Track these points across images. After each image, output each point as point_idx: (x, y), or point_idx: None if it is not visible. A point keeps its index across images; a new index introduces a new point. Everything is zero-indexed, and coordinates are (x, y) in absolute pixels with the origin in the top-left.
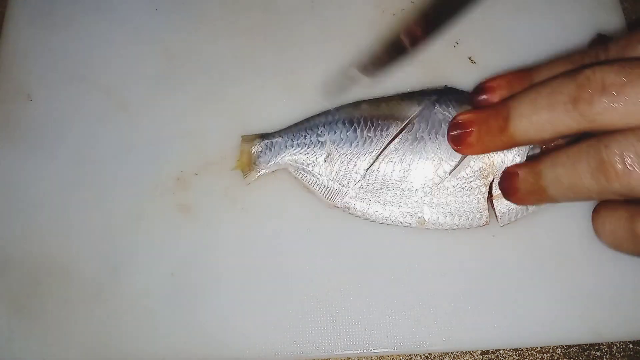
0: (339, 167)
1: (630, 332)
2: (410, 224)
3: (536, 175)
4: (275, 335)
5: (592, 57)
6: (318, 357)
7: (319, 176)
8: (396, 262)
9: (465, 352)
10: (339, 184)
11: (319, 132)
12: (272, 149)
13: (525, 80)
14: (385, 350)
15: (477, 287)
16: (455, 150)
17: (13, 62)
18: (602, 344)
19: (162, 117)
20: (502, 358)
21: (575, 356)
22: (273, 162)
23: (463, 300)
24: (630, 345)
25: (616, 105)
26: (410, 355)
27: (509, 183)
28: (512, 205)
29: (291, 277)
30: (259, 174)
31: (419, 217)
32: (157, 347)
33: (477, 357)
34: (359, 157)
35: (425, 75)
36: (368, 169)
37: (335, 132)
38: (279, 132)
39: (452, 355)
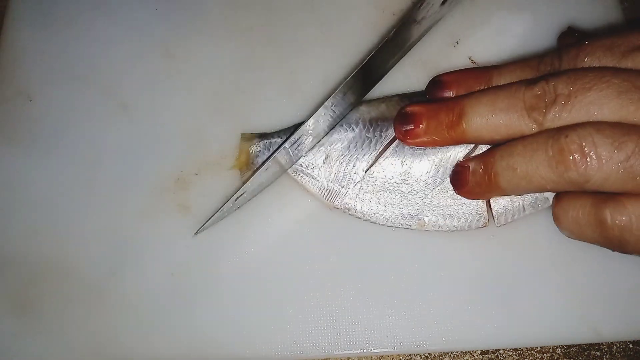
0: (337, 168)
1: (630, 332)
2: (410, 225)
3: (487, 165)
4: (275, 335)
5: (548, 64)
6: (318, 357)
7: (317, 178)
8: (396, 262)
9: (465, 352)
10: (339, 185)
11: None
12: (271, 149)
13: (482, 80)
14: (385, 350)
15: (477, 287)
16: (401, 140)
17: (13, 62)
18: (602, 344)
19: (162, 117)
20: (502, 358)
21: (575, 356)
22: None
23: (463, 300)
24: (630, 345)
25: (564, 113)
26: (410, 355)
27: (458, 175)
28: (509, 206)
29: (291, 277)
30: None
31: (419, 219)
32: (157, 347)
33: (477, 357)
34: (357, 159)
35: (425, 75)
36: (367, 170)
37: (333, 133)
38: (278, 133)
39: (452, 355)
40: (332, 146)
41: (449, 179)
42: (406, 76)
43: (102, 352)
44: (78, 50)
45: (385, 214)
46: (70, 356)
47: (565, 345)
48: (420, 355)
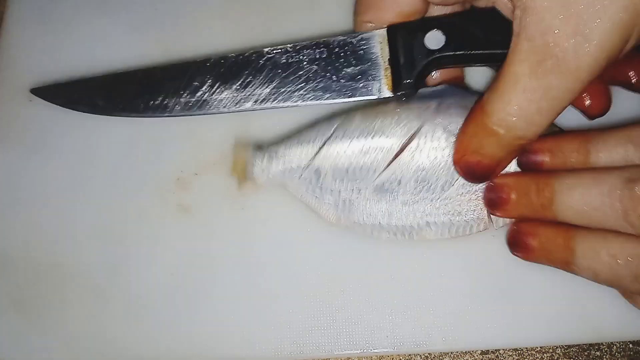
0: (337, 184)
1: (630, 332)
2: (413, 236)
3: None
4: (275, 335)
5: None
6: (318, 357)
7: (316, 195)
8: (396, 261)
9: (465, 352)
10: (339, 201)
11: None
12: (268, 159)
13: (580, 152)
14: (385, 350)
15: (477, 287)
16: (491, 213)
17: (13, 62)
18: (602, 344)
19: (162, 117)
20: (502, 358)
21: (575, 356)
22: (267, 175)
23: (463, 300)
24: (630, 345)
25: None
26: (410, 355)
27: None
28: None
29: (291, 277)
30: (256, 186)
31: (422, 230)
32: (157, 347)
33: (477, 357)
34: (355, 175)
35: None
36: (366, 187)
37: (330, 147)
38: (277, 142)
39: (452, 355)
40: (327, 161)
41: (452, 188)
42: None
43: (102, 352)
44: (78, 50)
45: (389, 227)
46: (70, 356)
47: (565, 345)
48: (420, 355)
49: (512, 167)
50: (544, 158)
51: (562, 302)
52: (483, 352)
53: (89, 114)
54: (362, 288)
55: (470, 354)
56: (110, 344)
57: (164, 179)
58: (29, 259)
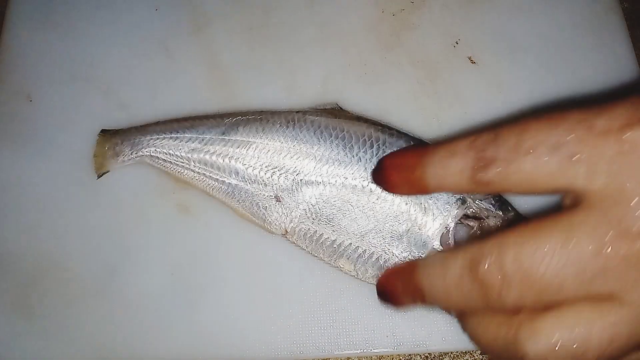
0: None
1: None
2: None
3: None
4: (275, 335)
5: None
6: (318, 357)
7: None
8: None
9: (465, 352)
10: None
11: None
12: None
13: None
14: (385, 350)
15: None
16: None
17: (13, 62)
18: None
19: (162, 117)
20: None
21: None
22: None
23: None
24: None
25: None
26: (410, 355)
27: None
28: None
29: (291, 277)
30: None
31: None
32: (157, 347)
33: (477, 357)
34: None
35: (425, 75)
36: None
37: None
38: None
39: (452, 355)
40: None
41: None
42: (406, 76)
43: (102, 351)
44: (78, 50)
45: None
46: (70, 356)
47: None
48: (420, 355)
49: None
50: None
51: None
52: (483, 352)
53: (89, 114)
54: (362, 288)
55: (470, 353)
56: (110, 344)
57: (164, 179)
58: (29, 259)
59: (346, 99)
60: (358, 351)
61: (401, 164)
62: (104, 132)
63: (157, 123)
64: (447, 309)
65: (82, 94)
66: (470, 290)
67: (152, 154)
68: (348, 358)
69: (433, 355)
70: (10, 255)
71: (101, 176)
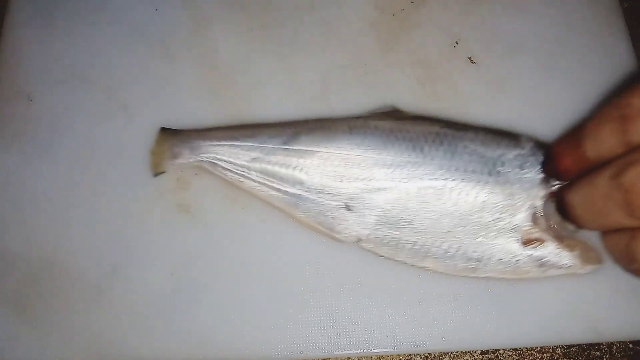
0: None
1: (630, 332)
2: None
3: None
4: (275, 335)
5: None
6: (318, 357)
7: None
8: (396, 262)
9: (465, 352)
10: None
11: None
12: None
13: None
14: (385, 350)
15: (477, 287)
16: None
17: (13, 62)
18: (602, 344)
19: (162, 117)
20: (502, 358)
21: (575, 356)
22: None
23: (463, 300)
24: (630, 345)
25: None
26: (410, 355)
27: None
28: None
29: (291, 277)
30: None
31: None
32: (157, 347)
33: (477, 357)
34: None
35: (424, 75)
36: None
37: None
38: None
39: (452, 355)
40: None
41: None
42: (407, 75)
43: (102, 351)
44: (78, 50)
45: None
46: (70, 355)
47: (565, 345)
48: (420, 355)
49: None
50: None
51: (562, 302)
52: (483, 352)
53: (89, 114)
54: (362, 288)
55: (470, 353)
56: (110, 344)
57: (164, 179)
58: (29, 259)
59: (346, 99)
60: (358, 351)
61: (565, 149)
62: (164, 130)
63: (218, 128)
64: (595, 224)
65: (82, 94)
66: (616, 198)
67: (211, 160)
68: (348, 358)
69: (433, 355)
70: (9, 255)
71: (157, 175)
